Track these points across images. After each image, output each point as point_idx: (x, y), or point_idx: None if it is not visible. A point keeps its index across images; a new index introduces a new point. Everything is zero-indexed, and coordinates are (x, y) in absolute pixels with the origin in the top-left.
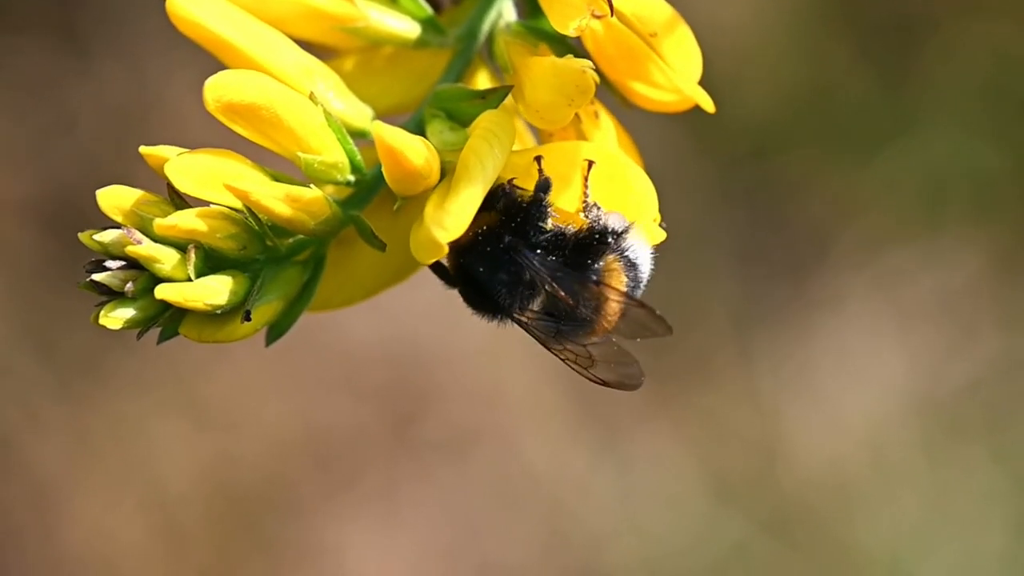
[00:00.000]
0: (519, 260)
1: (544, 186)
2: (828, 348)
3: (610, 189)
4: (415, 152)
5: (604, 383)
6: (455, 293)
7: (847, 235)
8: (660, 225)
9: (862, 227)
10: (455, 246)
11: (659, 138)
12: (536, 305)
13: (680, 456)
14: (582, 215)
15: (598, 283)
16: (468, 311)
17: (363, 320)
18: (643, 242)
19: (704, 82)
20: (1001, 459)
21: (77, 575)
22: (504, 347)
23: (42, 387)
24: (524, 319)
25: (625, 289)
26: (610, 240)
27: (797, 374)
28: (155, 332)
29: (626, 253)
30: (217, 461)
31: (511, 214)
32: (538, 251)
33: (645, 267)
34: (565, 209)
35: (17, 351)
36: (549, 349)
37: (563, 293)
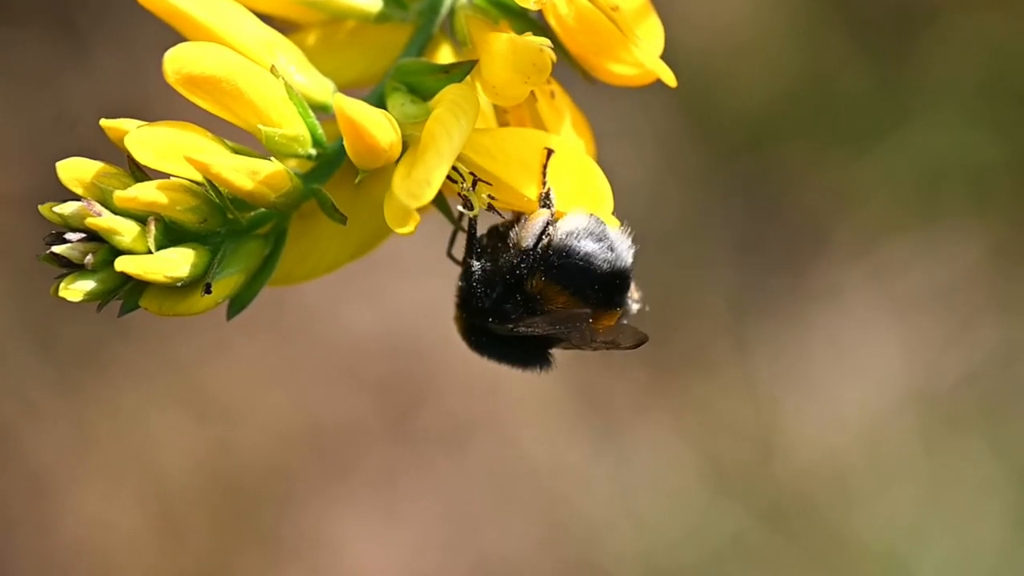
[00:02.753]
0: (512, 332)
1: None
2: (825, 339)
3: (569, 183)
4: (377, 125)
5: (635, 346)
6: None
7: (844, 226)
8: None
9: (859, 218)
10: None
11: (658, 130)
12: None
13: (677, 447)
14: (540, 202)
15: (537, 303)
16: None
17: (363, 312)
18: (578, 232)
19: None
20: (999, 451)
21: (73, 565)
22: None
23: (40, 378)
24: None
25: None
26: (520, 272)
27: (794, 365)
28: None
29: (552, 260)
30: (215, 452)
31: (478, 307)
32: (508, 314)
33: (589, 246)
34: (527, 196)
35: (15, 342)
36: (589, 350)
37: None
